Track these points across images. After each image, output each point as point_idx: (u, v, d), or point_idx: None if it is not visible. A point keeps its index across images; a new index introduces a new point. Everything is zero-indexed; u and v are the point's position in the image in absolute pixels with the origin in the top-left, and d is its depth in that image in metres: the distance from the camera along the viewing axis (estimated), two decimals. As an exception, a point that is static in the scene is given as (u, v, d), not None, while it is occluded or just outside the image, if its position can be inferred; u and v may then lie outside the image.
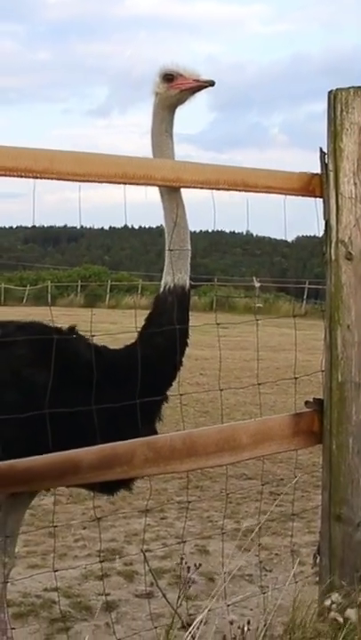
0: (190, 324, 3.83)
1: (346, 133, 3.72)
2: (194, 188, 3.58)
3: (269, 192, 3.76)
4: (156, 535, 6.69)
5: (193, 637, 3.15)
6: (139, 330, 3.82)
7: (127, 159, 3.36)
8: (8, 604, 4.05)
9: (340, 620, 3.31)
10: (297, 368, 4.50)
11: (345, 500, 3.74)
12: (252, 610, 4.70)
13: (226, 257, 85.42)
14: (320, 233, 3.84)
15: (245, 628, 3.23)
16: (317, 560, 3.86)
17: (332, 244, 3.75)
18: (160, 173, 3.48)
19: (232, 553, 5.30)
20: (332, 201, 3.75)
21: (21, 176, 3.02)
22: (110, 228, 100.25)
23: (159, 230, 3.98)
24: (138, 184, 3.37)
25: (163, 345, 3.75)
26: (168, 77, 3.90)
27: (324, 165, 3.79)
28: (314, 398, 3.86)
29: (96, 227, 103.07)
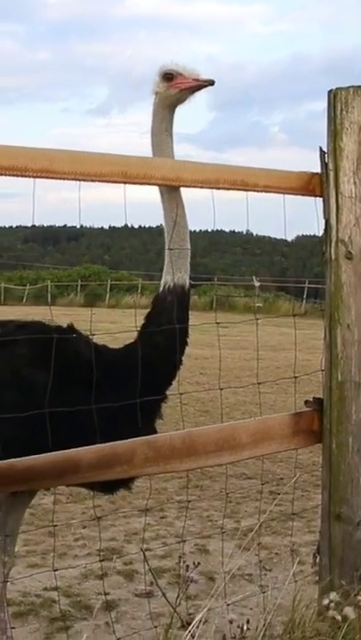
0: (190, 324, 3.82)
1: (346, 132, 3.72)
2: (194, 187, 3.58)
3: (269, 191, 3.76)
4: (155, 534, 6.69)
5: (193, 636, 3.15)
6: (138, 329, 3.82)
7: (127, 158, 3.36)
8: (8, 603, 4.05)
9: (339, 618, 3.30)
10: (297, 367, 4.50)
11: (345, 499, 3.74)
12: (251, 609, 4.70)
13: (226, 256, 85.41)
14: (320, 232, 3.84)
15: (245, 628, 3.23)
16: (317, 559, 3.86)
17: (332, 244, 3.75)
18: (160, 173, 3.47)
19: (232, 552, 5.30)
20: (332, 200, 3.75)
21: (21, 175, 3.01)
22: (110, 227, 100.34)
23: (159, 230, 3.98)
24: (138, 183, 3.37)
25: (162, 344, 3.75)
26: (168, 77, 3.89)
27: (324, 164, 3.79)
28: (314, 397, 3.86)
29: (96, 226, 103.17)
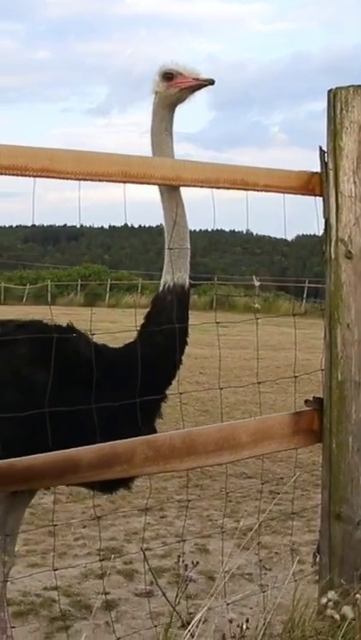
0: (190, 323, 3.82)
1: (346, 132, 3.72)
2: (193, 186, 3.58)
3: (269, 191, 3.76)
4: (155, 534, 6.69)
5: (192, 636, 3.15)
6: (138, 329, 3.82)
7: (127, 158, 3.36)
8: (8, 602, 4.05)
9: (337, 617, 3.30)
10: (297, 367, 4.50)
11: (345, 498, 3.74)
12: (251, 608, 4.70)
13: (226, 256, 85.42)
14: (320, 231, 3.84)
15: (244, 627, 3.23)
16: (317, 559, 3.86)
17: (332, 243, 3.75)
18: (160, 172, 3.48)
19: (232, 551, 5.30)
20: (332, 199, 3.75)
21: (21, 175, 3.01)
22: (110, 226, 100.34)
23: (159, 229, 3.98)
24: (138, 183, 3.37)
25: (162, 343, 3.75)
26: (168, 76, 3.89)
27: (323, 164, 3.79)
28: (314, 397, 3.86)
29: (96, 225, 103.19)
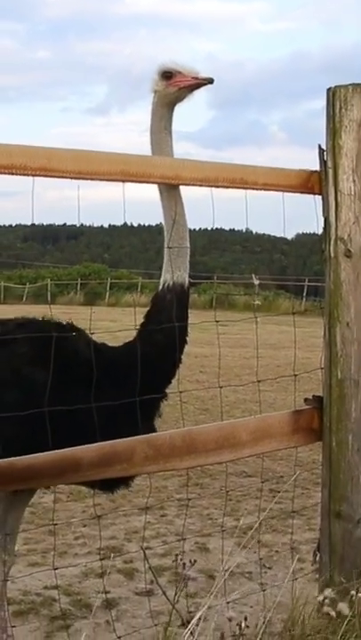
0: (189, 322, 3.82)
1: (345, 130, 3.72)
2: (193, 185, 3.58)
3: (268, 189, 3.76)
4: (156, 533, 6.69)
5: (192, 634, 3.16)
6: (138, 327, 3.82)
7: (126, 157, 3.36)
8: (8, 601, 4.05)
9: (333, 614, 3.30)
10: (297, 365, 4.50)
11: (345, 497, 3.74)
12: (252, 607, 4.70)
13: (225, 254, 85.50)
14: (319, 230, 3.84)
15: (243, 625, 3.23)
16: (317, 557, 3.86)
17: (332, 242, 3.75)
18: (159, 171, 3.48)
19: (232, 550, 5.30)
20: (331, 198, 3.75)
21: (20, 174, 3.01)
22: (110, 225, 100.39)
23: (158, 228, 3.98)
24: (137, 182, 3.37)
25: (162, 342, 3.75)
26: (167, 75, 3.89)
27: (323, 162, 3.79)
28: (313, 395, 3.87)
29: (95, 225, 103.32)
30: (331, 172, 3.75)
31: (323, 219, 3.80)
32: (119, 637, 3.69)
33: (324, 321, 3.81)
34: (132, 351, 3.72)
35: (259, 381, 4.85)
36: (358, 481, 3.74)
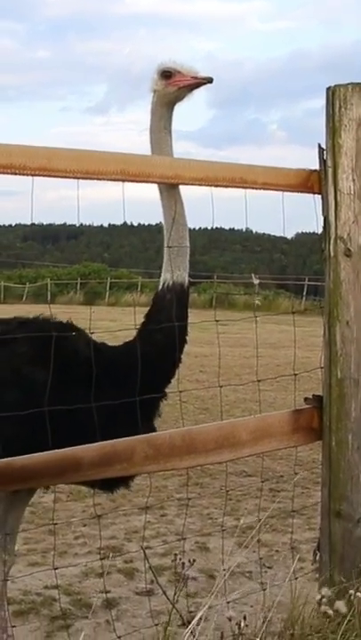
0: (189, 321, 3.82)
1: (344, 129, 3.71)
2: (192, 184, 3.58)
3: (268, 189, 3.76)
4: (156, 532, 6.69)
5: (193, 634, 3.15)
6: (138, 327, 3.82)
7: (126, 156, 3.36)
8: (8, 601, 4.05)
9: (330, 612, 3.30)
10: (296, 365, 4.50)
11: (345, 496, 3.74)
12: (252, 606, 4.70)
13: (225, 254, 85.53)
14: (319, 229, 3.84)
15: (242, 625, 3.23)
16: (317, 556, 3.86)
17: (331, 241, 3.75)
18: (159, 170, 3.47)
19: (232, 550, 5.31)
20: (331, 197, 3.74)
21: (19, 173, 3.01)
22: (109, 225, 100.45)
23: (158, 227, 3.98)
24: (137, 181, 3.37)
25: (162, 342, 3.75)
26: (166, 74, 3.89)
27: (322, 161, 3.78)
28: (313, 395, 3.86)
29: (95, 224, 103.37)
30: (330, 171, 3.74)
31: (322, 218, 3.80)
32: (119, 637, 3.69)
33: (324, 320, 3.81)
34: (132, 351, 3.72)
35: (259, 381, 4.84)
36: (358, 480, 3.74)
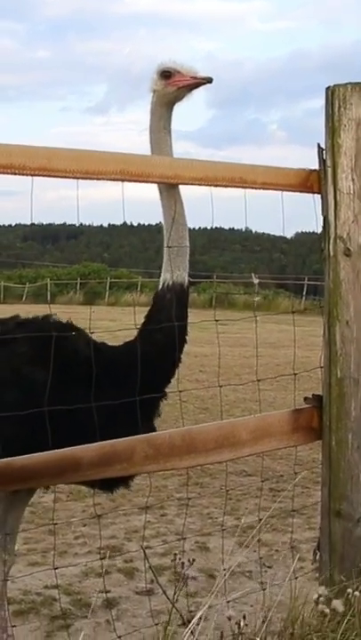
0: (189, 321, 3.82)
1: (344, 129, 3.71)
2: (192, 184, 3.58)
3: (268, 188, 3.76)
4: (156, 532, 6.69)
5: (193, 634, 3.16)
6: (138, 327, 3.82)
7: (125, 156, 3.36)
8: (8, 601, 4.05)
9: (327, 611, 3.30)
10: (296, 364, 4.50)
11: (345, 495, 3.74)
12: (252, 606, 4.70)
13: (225, 253, 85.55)
14: (319, 229, 3.84)
15: (242, 624, 3.23)
16: (317, 556, 3.86)
17: (331, 240, 3.75)
18: (158, 170, 3.47)
19: (232, 549, 5.31)
20: (331, 197, 3.74)
21: (19, 173, 3.01)
22: (109, 225, 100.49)
23: (158, 227, 3.98)
24: (136, 181, 3.37)
25: (162, 342, 3.75)
26: (166, 75, 3.89)
27: (322, 161, 3.78)
28: (313, 394, 3.86)
29: (95, 224, 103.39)
30: (330, 170, 3.74)
31: (322, 217, 3.80)
32: (119, 637, 3.69)
33: (324, 320, 3.81)
34: (132, 350, 3.72)
35: (258, 380, 4.84)
36: (358, 480, 3.74)
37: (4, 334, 3.69)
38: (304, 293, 40.58)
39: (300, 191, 3.84)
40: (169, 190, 3.77)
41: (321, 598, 3.33)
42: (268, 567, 5.79)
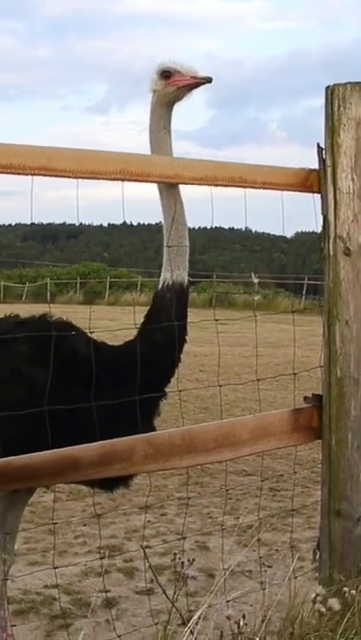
0: (189, 321, 3.83)
1: (343, 129, 3.71)
2: (192, 184, 3.58)
3: (267, 188, 3.76)
4: (156, 531, 6.69)
5: (192, 633, 3.16)
6: (138, 326, 3.82)
7: (125, 156, 3.36)
8: (8, 601, 4.05)
9: (323, 610, 3.30)
10: (296, 364, 4.50)
11: (344, 495, 3.74)
12: (251, 606, 4.70)
13: (225, 253, 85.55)
14: (319, 228, 3.83)
15: (241, 623, 3.23)
16: (317, 555, 3.86)
17: (331, 240, 3.75)
18: (158, 170, 3.48)
19: (232, 549, 5.31)
20: (330, 196, 3.74)
21: (19, 173, 3.01)
22: (109, 224, 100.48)
23: (158, 227, 3.98)
24: (136, 181, 3.37)
25: (162, 341, 3.75)
26: (165, 74, 3.89)
27: (321, 161, 3.78)
28: (313, 394, 3.86)
29: (95, 224, 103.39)
30: (330, 170, 3.74)
31: (322, 217, 3.80)
32: (119, 636, 3.69)
33: (324, 319, 3.81)
34: (132, 350, 3.72)
35: (258, 380, 4.84)
36: (358, 479, 3.74)
37: (3, 334, 3.69)
38: (304, 293, 40.57)
39: (300, 191, 3.83)
40: (169, 190, 3.77)
41: (318, 597, 3.33)
42: (268, 566, 5.79)
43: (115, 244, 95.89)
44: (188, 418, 10.21)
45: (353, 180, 3.71)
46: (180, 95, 3.91)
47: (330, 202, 3.75)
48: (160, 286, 3.82)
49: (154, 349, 3.75)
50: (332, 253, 3.75)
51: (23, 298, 44.45)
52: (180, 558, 3.93)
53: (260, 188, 3.72)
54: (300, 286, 42.77)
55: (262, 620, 3.31)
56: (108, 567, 5.79)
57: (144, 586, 5.41)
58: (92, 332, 3.74)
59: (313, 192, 3.83)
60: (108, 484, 3.86)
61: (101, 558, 5.83)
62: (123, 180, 3.31)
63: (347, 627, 3.28)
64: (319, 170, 3.80)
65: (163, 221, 3.84)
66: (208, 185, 3.57)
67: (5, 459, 3.10)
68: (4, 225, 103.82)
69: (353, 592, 3.40)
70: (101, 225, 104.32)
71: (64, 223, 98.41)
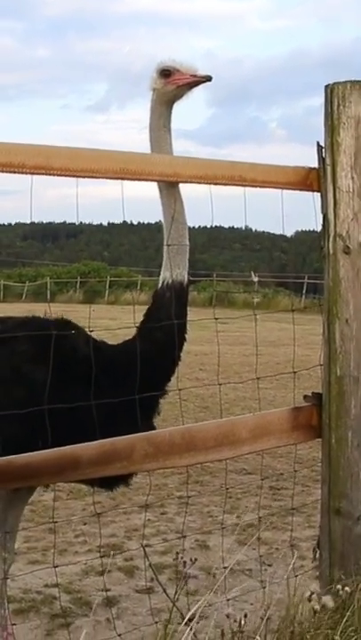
0: (189, 320, 3.83)
1: (343, 127, 3.71)
2: (192, 183, 3.58)
3: (267, 187, 3.75)
4: (156, 530, 6.69)
5: (191, 629, 3.16)
6: (138, 325, 3.82)
7: (125, 155, 3.36)
8: (8, 600, 4.06)
9: (317, 607, 3.30)
10: (296, 362, 4.50)
11: (344, 493, 3.74)
12: (252, 604, 4.70)
13: (225, 252, 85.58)
14: (318, 227, 3.83)
15: (242, 622, 3.23)
16: (317, 554, 3.86)
17: (330, 238, 3.75)
18: (158, 169, 3.47)
19: (232, 547, 5.31)
20: (330, 195, 3.74)
21: (18, 172, 3.01)
22: (109, 223, 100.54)
23: (158, 226, 3.98)
24: (136, 180, 3.37)
25: (161, 340, 3.75)
26: (165, 73, 3.89)
27: (321, 159, 3.78)
28: (313, 392, 3.86)
29: (95, 223, 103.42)
30: (329, 169, 3.74)
31: (321, 216, 3.80)
32: (119, 635, 3.69)
33: (324, 318, 3.81)
34: (132, 349, 3.72)
35: (258, 379, 4.85)
36: (358, 478, 3.74)
37: (4, 333, 3.69)
38: (304, 292, 40.54)
39: (300, 189, 3.83)
40: (169, 189, 3.77)
41: (313, 595, 3.33)
42: (268, 565, 5.79)
43: (115, 242, 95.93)
44: (188, 416, 10.22)
45: (353, 178, 3.71)
46: (180, 94, 3.91)
47: (330, 200, 3.75)
48: (160, 285, 3.82)
49: (154, 348, 3.75)
50: (331, 252, 3.75)
51: (23, 297, 44.45)
52: (182, 557, 3.93)
53: (259, 186, 3.71)
54: (300, 285, 42.75)
55: (262, 619, 3.31)
56: (108, 566, 5.79)
57: (144, 584, 5.41)
58: (91, 331, 3.74)
59: (313, 191, 3.82)
60: (109, 483, 3.86)
61: (102, 557, 5.83)
62: (122, 178, 3.31)
63: (347, 625, 3.28)
64: (319, 168, 3.79)
65: (163, 220, 3.84)
66: (208, 183, 3.56)
67: (7, 457, 3.10)
68: (3, 224, 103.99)
69: (347, 589, 3.40)
70: (101, 224, 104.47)
71: (64, 222, 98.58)
